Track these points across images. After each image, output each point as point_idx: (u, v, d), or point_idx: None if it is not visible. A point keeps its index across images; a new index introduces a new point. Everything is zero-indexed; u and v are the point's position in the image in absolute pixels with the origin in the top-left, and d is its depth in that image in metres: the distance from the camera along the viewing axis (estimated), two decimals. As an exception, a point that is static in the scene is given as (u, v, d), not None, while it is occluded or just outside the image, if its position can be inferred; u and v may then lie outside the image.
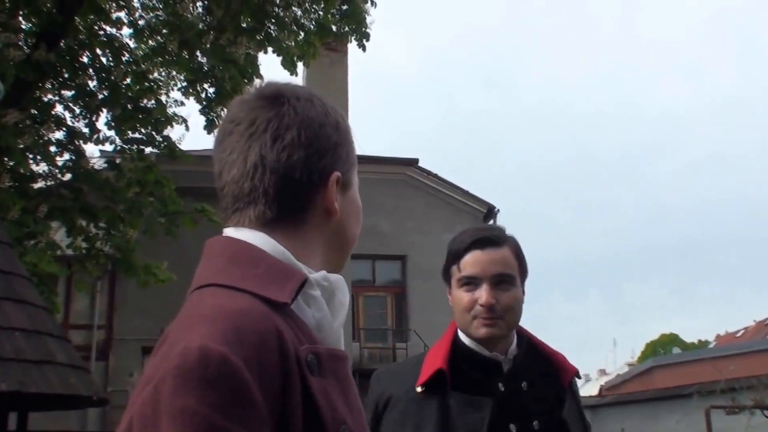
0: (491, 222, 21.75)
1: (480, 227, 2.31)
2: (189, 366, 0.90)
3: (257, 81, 9.94)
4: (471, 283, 2.18)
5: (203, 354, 0.91)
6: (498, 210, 21.80)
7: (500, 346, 2.20)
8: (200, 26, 9.62)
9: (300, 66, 10.74)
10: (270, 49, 9.94)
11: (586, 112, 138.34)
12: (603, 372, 53.31)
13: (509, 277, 2.17)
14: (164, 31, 10.02)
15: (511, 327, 2.20)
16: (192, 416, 0.87)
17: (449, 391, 2.15)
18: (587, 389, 35.89)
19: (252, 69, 9.90)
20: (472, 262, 2.18)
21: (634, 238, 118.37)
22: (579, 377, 2.31)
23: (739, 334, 49.45)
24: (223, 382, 0.90)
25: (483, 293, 2.15)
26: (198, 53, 9.94)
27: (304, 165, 1.18)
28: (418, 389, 2.18)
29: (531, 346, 2.27)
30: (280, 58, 9.92)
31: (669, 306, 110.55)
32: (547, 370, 2.24)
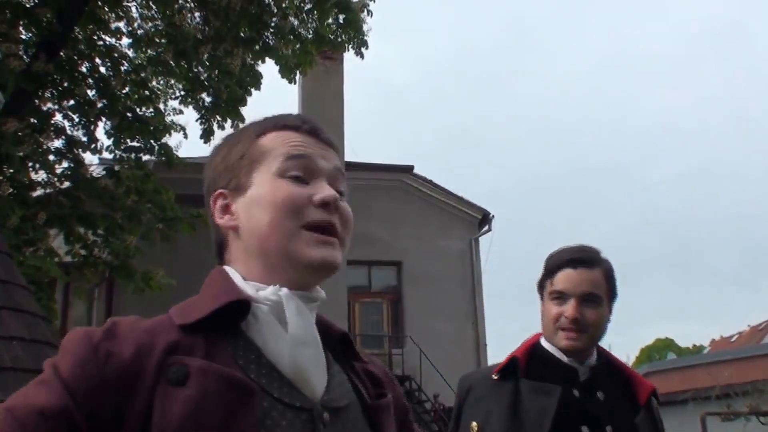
0: (486, 227, 21.84)
1: (577, 247, 2.43)
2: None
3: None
4: (560, 297, 2.35)
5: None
6: (493, 216, 21.86)
7: (580, 357, 2.36)
8: (198, 36, 9.69)
9: (297, 74, 10.81)
10: (268, 58, 10.02)
11: (579, 121, 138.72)
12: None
13: (596, 296, 2.33)
14: (162, 41, 10.10)
15: (593, 342, 2.37)
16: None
17: (522, 379, 2.35)
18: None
19: (250, 79, 9.98)
20: (563, 278, 2.35)
21: (628, 244, 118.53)
22: (656, 395, 2.40)
23: (733, 339, 49.57)
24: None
25: (569, 308, 2.32)
26: (195, 63, 10.01)
27: (207, 202, 1.31)
28: (494, 377, 2.39)
29: (610, 363, 2.44)
30: (278, 67, 10.01)
31: (663, 311, 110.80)
32: (624, 386, 2.39)
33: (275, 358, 1.14)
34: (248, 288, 1.18)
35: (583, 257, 2.37)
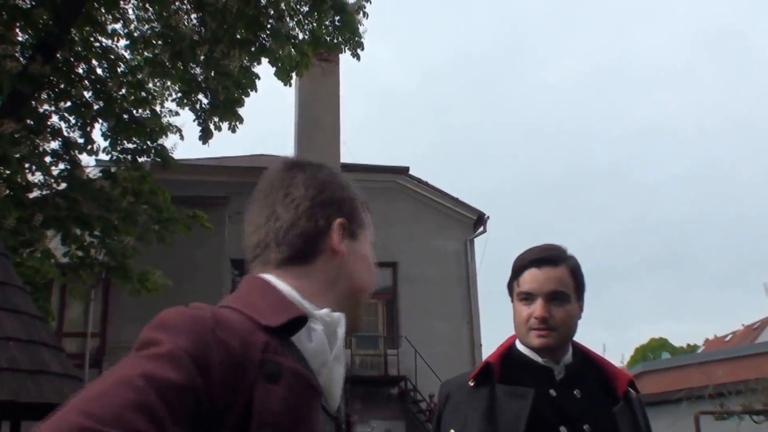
0: (481, 228, 21.88)
1: (542, 247, 2.46)
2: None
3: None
4: (528, 298, 2.37)
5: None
6: (488, 217, 21.91)
7: (555, 356, 2.37)
8: (195, 38, 9.71)
9: (293, 77, 10.85)
10: (264, 59, 10.05)
11: (576, 123, 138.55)
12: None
13: (562, 294, 2.35)
14: (158, 42, 10.13)
15: (564, 339, 2.37)
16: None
17: (497, 384, 2.35)
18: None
19: (247, 80, 10.01)
20: (529, 279, 2.38)
21: (623, 245, 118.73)
22: (634, 386, 2.40)
23: (727, 339, 49.71)
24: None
25: (537, 307, 2.34)
26: (192, 64, 10.04)
27: (310, 213, 1.39)
28: (470, 383, 2.40)
29: (585, 358, 2.44)
30: (274, 69, 10.04)
31: (658, 311, 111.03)
32: (601, 380, 2.39)
33: (318, 370, 1.24)
34: (305, 304, 1.29)
35: (547, 256, 2.39)
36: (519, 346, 2.44)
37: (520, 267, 2.42)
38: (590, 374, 2.39)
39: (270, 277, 1.34)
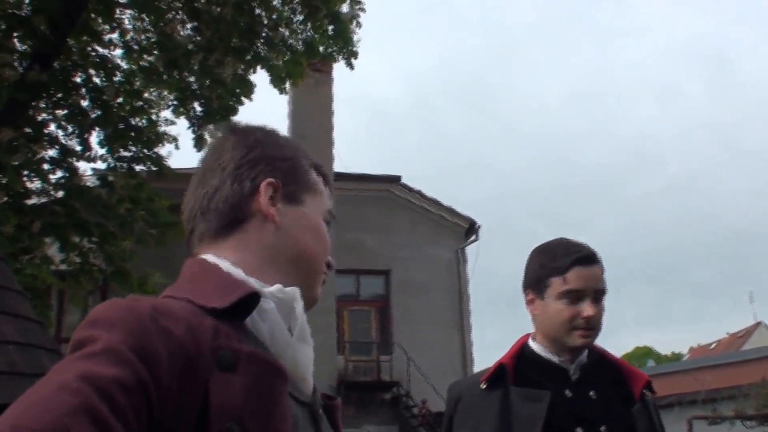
0: (473, 236, 22.01)
1: (576, 243, 2.39)
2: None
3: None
4: (575, 297, 2.28)
5: None
6: (480, 225, 22.05)
7: (573, 356, 2.33)
8: (189, 47, 9.81)
9: (286, 86, 10.93)
10: (259, 67, 10.14)
11: (564, 132, 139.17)
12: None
13: (605, 293, 2.32)
14: (153, 51, 10.22)
15: (596, 338, 2.33)
16: None
17: (511, 386, 2.29)
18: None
19: (241, 88, 10.11)
20: (577, 277, 2.28)
21: (608, 255, 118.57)
22: (650, 387, 2.34)
23: (712, 347, 49.87)
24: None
25: (587, 307, 2.26)
26: (186, 73, 10.13)
27: (235, 175, 1.26)
28: (483, 385, 2.34)
29: (601, 358, 2.40)
30: (270, 77, 10.14)
31: (642, 320, 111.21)
32: (617, 380, 2.34)
33: (279, 353, 1.13)
34: (253, 282, 1.18)
35: (591, 254, 2.33)
36: (532, 345, 2.40)
37: (564, 264, 2.30)
38: (606, 375, 2.35)
39: (209, 257, 1.22)
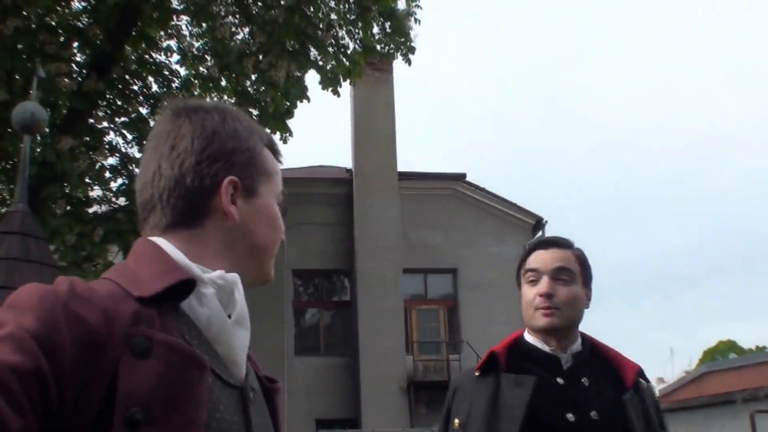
0: (539, 233, 21.69)
1: (549, 236, 2.55)
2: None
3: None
4: (534, 278, 2.38)
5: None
6: (546, 222, 21.72)
7: (563, 344, 2.37)
8: (245, 50, 9.85)
9: (347, 87, 10.90)
10: (312, 70, 10.13)
11: (639, 129, 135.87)
12: (661, 380, 52.63)
13: (568, 271, 2.36)
14: (207, 57, 10.29)
15: (570, 320, 2.36)
16: None
17: (502, 373, 2.35)
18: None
19: (295, 90, 10.09)
20: (535, 258, 2.41)
21: (690, 251, 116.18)
22: (644, 376, 2.39)
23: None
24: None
25: (542, 284, 2.35)
26: (241, 77, 10.16)
27: (195, 171, 1.23)
28: (476, 373, 2.41)
29: (594, 348, 2.44)
30: (319, 78, 10.12)
31: (726, 313, 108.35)
32: (610, 370, 2.38)
33: (215, 337, 1.16)
34: (193, 267, 1.18)
35: (553, 239, 2.46)
36: (527, 336, 2.44)
37: (526, 251, 2.47)
38: (598, 364, 2.38)
39: (159, 240, 1.22)
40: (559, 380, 2.31)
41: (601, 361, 2.40)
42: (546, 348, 2.37)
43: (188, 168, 1.23)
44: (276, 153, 1.39)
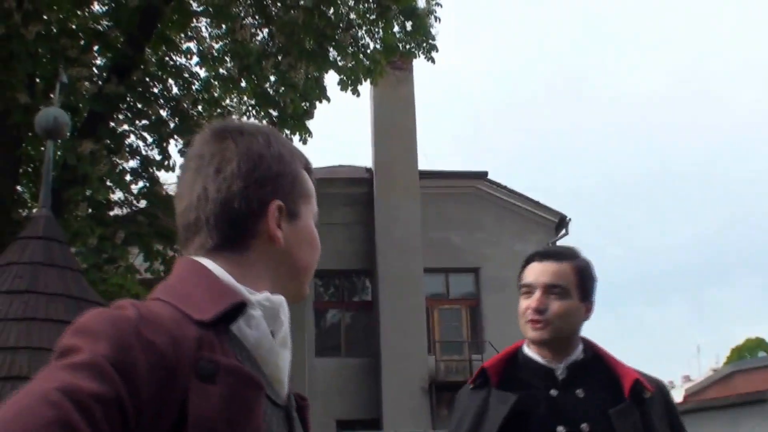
0: (563, 231, 21.57)
1: (550, 245, 2.48)
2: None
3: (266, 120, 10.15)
4: (528, 291, 2.40)
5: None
6: (570, 219, 21.58)
7: (559, 356, 2.38)
8: (265, 52, 9.84)
9: (367, 86, 10.87)
10: (332, 70, 10.11)
11: (662, 121, 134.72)
12: (687, 378, 52.21)
13: (560, 287, 2.36)
14: (227, 58, 10.29)
15: (561, 334, 2.36)
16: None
17: (492, 389, 2.38)
18: (672, 396, 35.03)
19: (314, 91, 10.07)
20: (529, 271, 2.43)
21: (718, 244, 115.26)
22: (642, 386, 2.31)
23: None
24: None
25: (533, 299, 2.37)
26: (261, 78, 10.16)
27: (242, 195, 1.25)
28: (470, 387, 2.46)
29: (595, 358, 2.42)
30: (338, 78, 10.10)
31: (755, 311, 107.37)
32: (610, 379, 2.35)
33: (264, 358, 1.19)
34: (243, 290, 1.20)
35: (550, 251, 2.50)
36: (525, 347, 2.47)
37: (525, 262, 2.48)
38: (600, 373, 2.37)
39: (205, 261, 1.23)
40: (553, 392, 2.32)
41: (603, 370, 2.39)
42: (540, 360, 2.39)
43: (235, 192, 1.25)
44: (311, 173, 1.42)
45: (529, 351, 2.43)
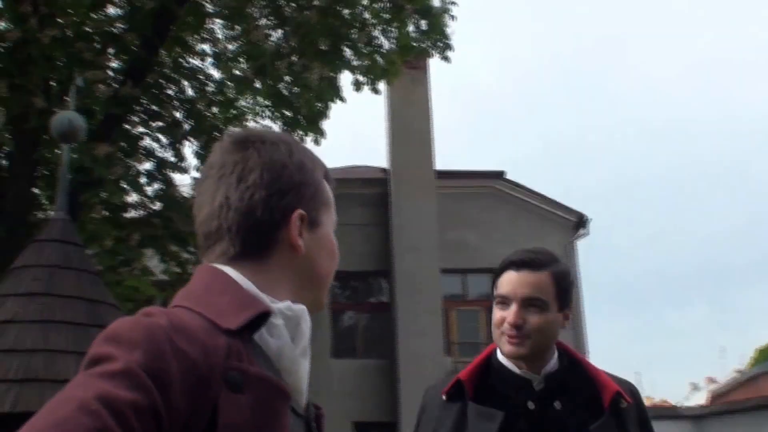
0: (582, 231, 21.44)
1: (527, 249, 2.36)
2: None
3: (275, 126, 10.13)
4: (504, 302, 2.27)
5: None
6: (589, 219, 21.44)
7: (535, 365, 2.27)
8: (279, 52, 9.84)
9: (382, 86, 10.85)
10: (346, 71, 10.10)
11: (683, 119, 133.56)
12: (712, 380, 51.86)
13: (539, 300, 2.23)
14: (241, 59, 10.30)
15: (539, 348, 2.25)
16: None
17: (468, 401, 2.26)
18: (696, 398, 34.80)
19: (329, 91, 10.06)
20: (505, 282, 2.28)
21: (741, 242, 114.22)
22: (623, 398, 2.24)
23: None
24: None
25: (510, 313, 2.23)
26: (275, 78, 10.16)
27: (265, 204, 1.27)
28: (443, 397, 2.32)
29: (574, 367, 2.32)
30: (352, 79, 10.09)
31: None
32: (589, 390, 2.26)
33: (286, 367, 1.20)
34: (266, 299, 1.21)
35: (527, 259, 2.28)
36: (498, 354, 2.35)
37: (499, 269, 2.34)
38: (576, 384, 2.28)
39: (226, 269, 1.25)
40: (530, 404, 2.22)
41: (581, 379, 2.28)
42: (516, 370, 2.29)
43: (258, 201, 1.27)
44: (330, 181, 1.43)
45: (504, 359, 2.32)
